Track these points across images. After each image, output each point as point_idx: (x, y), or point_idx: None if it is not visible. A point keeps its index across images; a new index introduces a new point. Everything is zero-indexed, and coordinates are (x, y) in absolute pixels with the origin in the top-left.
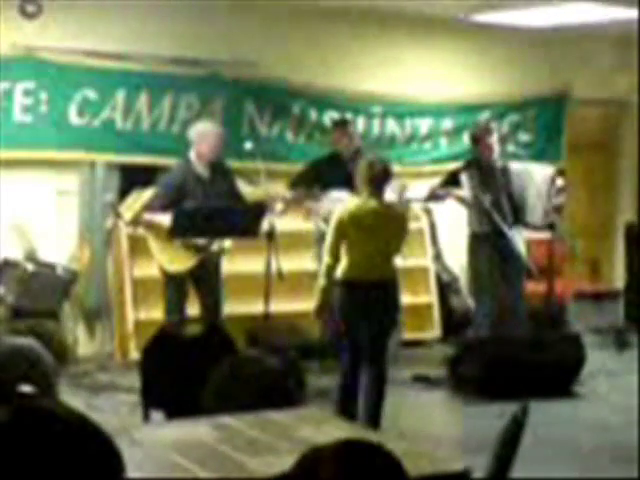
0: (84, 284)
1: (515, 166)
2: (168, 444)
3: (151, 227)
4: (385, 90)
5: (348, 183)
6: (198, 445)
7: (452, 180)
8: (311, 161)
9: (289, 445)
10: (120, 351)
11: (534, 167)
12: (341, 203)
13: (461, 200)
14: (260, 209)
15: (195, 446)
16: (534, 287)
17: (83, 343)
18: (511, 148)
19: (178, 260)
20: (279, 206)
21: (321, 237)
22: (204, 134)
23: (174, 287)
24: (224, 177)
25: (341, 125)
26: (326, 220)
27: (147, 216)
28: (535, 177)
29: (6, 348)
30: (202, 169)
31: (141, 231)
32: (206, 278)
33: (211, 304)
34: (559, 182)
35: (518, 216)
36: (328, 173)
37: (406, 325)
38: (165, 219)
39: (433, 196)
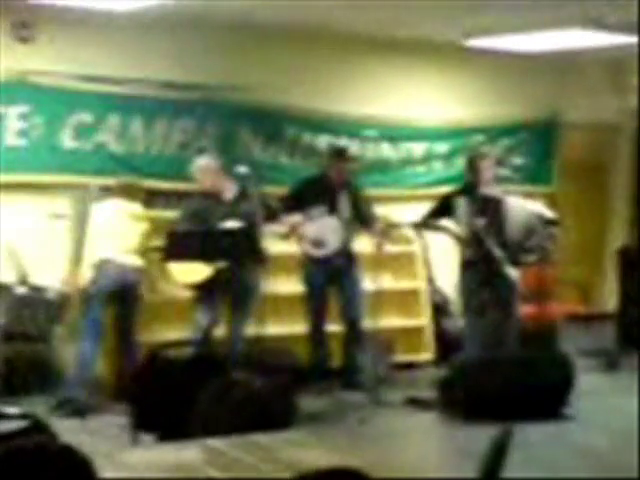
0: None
1: (512, 200)
2: (155, 467)
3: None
4: (380, 114)
5: (332, 206)
6: (185, 468)
7: (445, 206)
8: (297, 182)
9: (274, 468)
10: (111, 373)
11: (521, 203)
12: (331, 227)
13: (453, 235)
14: (251, 233)
15: (182, 469)
16: (525, 310)
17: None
18: (504, 172)
19: (193, 271)
20: (283, 229)
21: (311, 260)
22: (203, 170)
23: (202, 306)
24: (249, 198)
25: (340, 155)
26: (315, 243)
27: None
28: (518, 213)
29: None
30: (225, 192)
31: None
32: (239, 293)
33: (235, 322)
34: (552, 230)
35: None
36: (313, 195)
37: (399, 347)
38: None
39: (423, 226)
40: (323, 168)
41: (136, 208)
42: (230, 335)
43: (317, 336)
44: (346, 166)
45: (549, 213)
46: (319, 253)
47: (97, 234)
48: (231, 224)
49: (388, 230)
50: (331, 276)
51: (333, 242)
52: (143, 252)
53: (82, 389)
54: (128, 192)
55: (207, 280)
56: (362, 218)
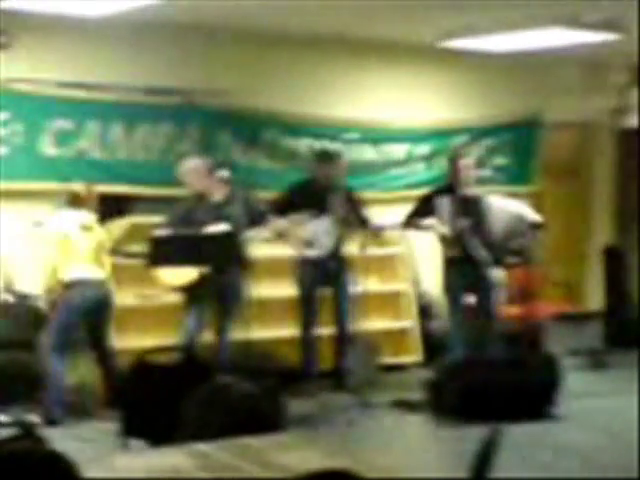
0: None
1: (493, 200)
2: (144, 472)
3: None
4: (361, 116)
5: (322, 210)
6: (173, 472)
7: (425, 205)
8: (288, 187)
9: (264, 471)
10: (101, 380)
11: (503, 203)
12: (323, 229)
13: (436, 231)
14: (234, 237)
15: (170, 473)
16: (512, 310)
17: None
18: (486, 172)
19: (180, 274)
20: (271, 233)
21: (303, 262)
22: (192, 172)
23: (189, 310)
24: (241, 201)
25: (327, 159)
26: (308, 245)
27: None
28: (500, 213)
29: None
30: (215, 194)
31: (121, 260)
32: (225, 297)
33: (222, 326)
34: (535, 232)
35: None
36: (303, 199)
37: (386, 349)
38: None
39: (410, 225)
40: (310, 171)
41: (87, 218)
42: (217, 340)
43: (308, 338)
44: (333, 168)
45: (533, 215)
46: (312, 254)
47: (56, 248)
48: (219, 227)
49: (376, 232)
50: (323, 278)
51: (325, 244)
52: (102, 264)
53: (57, 406)
54: (78, 201)
55: (194, 284)
56: (357, 220)
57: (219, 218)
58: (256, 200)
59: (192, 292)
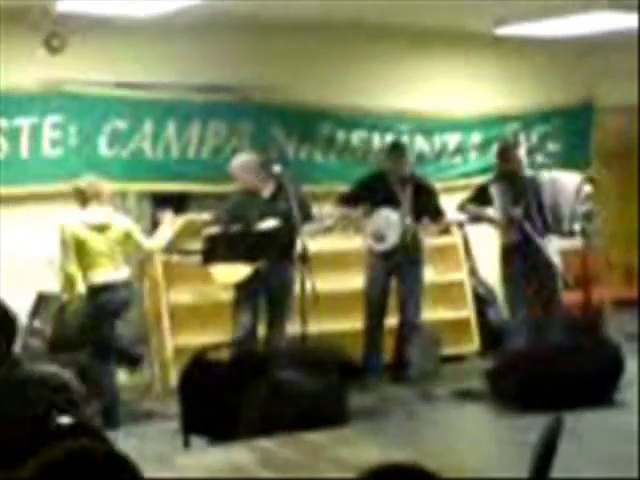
0: None
1: (544, 175)
2: (205, 470)
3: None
4: (413, 107)
5: (394, 203)
6: (234, 469)
7: (481, 194)
8: (357, 181)
9: (325, 466)
10: (160, 379)
11: (562, 175)
12: (390, 221)
13: (491, 221)
14: (286, 233)
15: (231, 470)
16: (571, 297)
17: (122, 372)
18: (540, 159)
19: (233, 271)
20: (328, 222)
21: (371, 255)
22: (243, 167)
23: (243, 305)
24: (293, 196)
25: (397, 150)
26: (376, 237)
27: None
28: (563, 185)
29: (33, 375)
30: (263, 190)
31: (175, 258)
32: (276, 291)
33: (274, 321)
34: (586, 189)
35: (549, 225)
36: (374, 193)
37: (445, 340)
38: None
39: (467, 214)
40: (378, 164)
41: (100, 216)
42: (272, 334)
43: (374, 332)
44: (404, 160)
45: (586, 187)
46: (379, 248)
47: (69, 251)
48: (269, 223)
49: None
50: (391, 271)
51: (392, 237)
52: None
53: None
54: (86, 198)
55: (247, 280)
56: (429, 211)
57: (269, 214)
58: (305, 196)
59: (245, 288)
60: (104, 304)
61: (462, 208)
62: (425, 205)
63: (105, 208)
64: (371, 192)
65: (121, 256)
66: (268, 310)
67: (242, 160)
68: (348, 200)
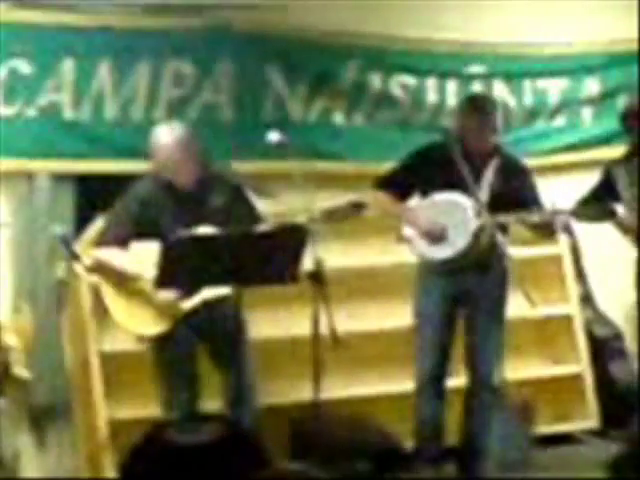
0: (27, 367)
1: None
2: None
3: (106, 273)
4: (489, 39)
5: (462, 186)
6: None
7: (605, 184)
8: (408, 154)
9: None
10: (88, 468)
11: None
12: (456, 216)
13: (620, 225)
14: (299, 235)
15: None
16: None
17: (29, 458)
18: None
19: (157, 316)
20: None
21: (424, 270)
22: (155, 147)
23: (171, 363)
24: (224, 190)
25: (476, 107)
26: (432, 240)
27: (97, 254)
28: None
29: None
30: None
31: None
32: (223, 341)
33: (235, 385)
34: None
35: None
36: (432, 173)
37: (542, 412)
38: (122, 259)
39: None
40: (446, 131)
41: None
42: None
43: (429, 398)
44: (489, 122)
45: None
46: (437, 255)
47: None
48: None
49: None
50: (458, 297)
51: (459, 240)
52: None
53: None
54: None
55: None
56: (518, 202)
57: (198, 219)
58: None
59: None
60: None
61: (578, 215)
62: (515, 194)
63: None
64: (427, 172)
65: None
66: (221, 372)
67: (171, 132)
68: (391, 184)
